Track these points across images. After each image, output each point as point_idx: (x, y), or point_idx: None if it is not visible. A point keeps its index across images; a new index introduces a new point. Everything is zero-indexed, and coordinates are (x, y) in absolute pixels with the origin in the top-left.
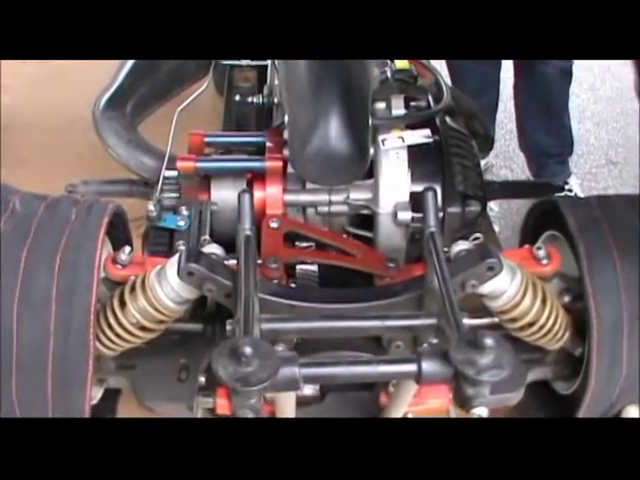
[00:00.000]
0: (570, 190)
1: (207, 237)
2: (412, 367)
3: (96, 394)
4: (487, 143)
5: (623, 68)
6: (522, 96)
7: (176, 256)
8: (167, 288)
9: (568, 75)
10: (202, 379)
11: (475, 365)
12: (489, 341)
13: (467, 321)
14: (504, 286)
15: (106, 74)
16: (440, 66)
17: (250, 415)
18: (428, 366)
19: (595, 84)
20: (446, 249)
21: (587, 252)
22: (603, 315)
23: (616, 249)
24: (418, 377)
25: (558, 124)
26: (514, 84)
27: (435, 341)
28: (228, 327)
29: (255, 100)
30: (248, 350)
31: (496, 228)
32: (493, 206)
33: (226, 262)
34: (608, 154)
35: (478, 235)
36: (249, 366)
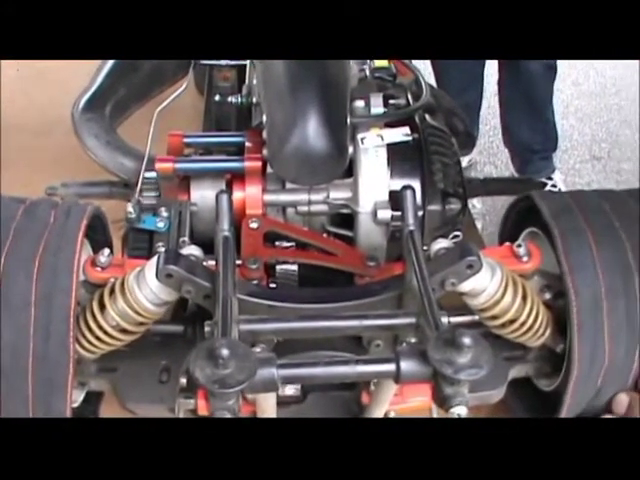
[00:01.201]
0: (554, 185)
1: (186, 239)
2: (391, 367)
3: (78, 397)
4: (468, 140)
5: (606, 64)
6: (506, 91)
7: (155, 258)
8: (146, 290)
9: (552, 71)
10: (183, 381)
11: (453, 364)
12: (467, 340)
13: (450, 319)
14: (484, 284)
15: (87, 75)
16: (423, 64)
17: (228, 416)
18: (407, 366)
19: (578, 79)
20: (426, 247)
21: (561, 234)
22: (581, 292)
23: (589, 230)
24: (397, 377)
25: (542, 120)
26: (498, 80)
27: (414, 340)
28: (206, 328)
29: (234, 100)
30: (225, 352)
31: (479, 225)
32: (476, 203)
33: (206, 263)
34: (592, 149)
35: (458, 233)
36: (226, 368)
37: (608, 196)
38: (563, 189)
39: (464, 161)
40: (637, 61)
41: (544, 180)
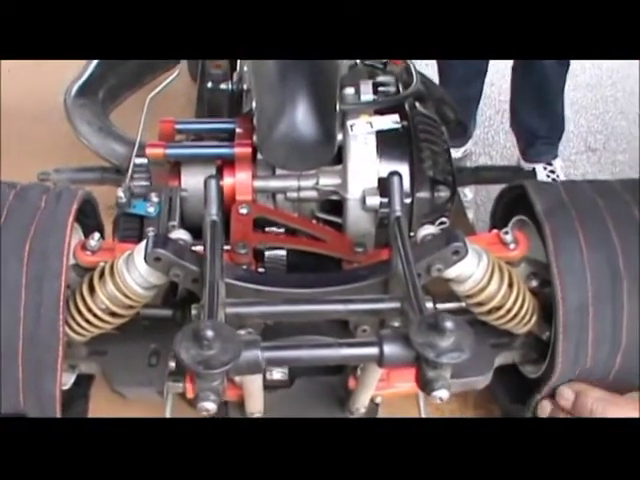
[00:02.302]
0: (552, 171)
1: (175, 223)
2: (374, 350)
3: (68, 380)
4: (459, 129)
5: None
6: (518, 79)
7: (144, 242)
8: (135, 274)
9: (565, 64)
10: (172, 364)
11: (435, 348)
12: (449, 324)
13: (439, 306)
14: (470, 270)
15: (83, 62)
16: None
17: (213, 398)
18: (389, 349)
19: (574, 71)
20: (413, 234)
21: (553, 234)
22: (569, 297)
23: (582, 231)
24: (380, 360)
25: (550, 110)
26: (513, 65)
27: (397, 325)
28: (193, 312)
29: (225, 87)
30: (210, 333)
31: (471, 214)
32: (467, 192)
33: (194, 248)
34: (587, 141)
35: (444, 220)
36: (211, 349)
37: (603, 190)
38: (562, 177)
39: (459, 152)
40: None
41: (543, 165)
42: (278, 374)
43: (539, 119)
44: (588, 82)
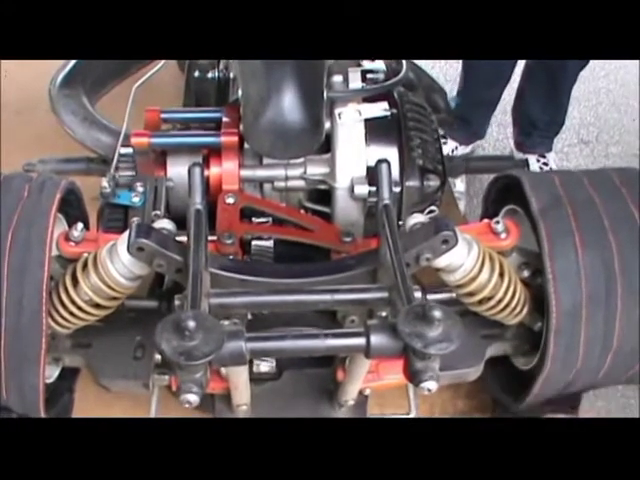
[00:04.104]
0: (546, 164)
1: (158, 212)
2: (361, 341)
3: (53, 373)
4: (463, 125)
5: None
6: (535, 67)
7: (127, 232)
8: (118, 264)
9: (582, 62)
10: (158, 357)
11: (423, 338)
12: (437, 313)
13: (429, 296)
14: (460, 260)
15: None
16: None
17: (195, 390)
18: (377, 340)
19: None
20: (402, 222)
21: (548, 235)
22: (562, 299)
23: (577, 232)
24: (367, 351)
25: (556, 104)
26: None
27: (384, 314)
28: (177, 302)
29: (212, 75)
30: (191, 324)
31: (461, 205)
32: (458, 183)
33: (180, 238)
34: (580, 133)
35: (433, 208)
36: (193, 340)
37: (600, 183)
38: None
39: (468, 148)
40: None
41: (537, 157)
42: (265, 367)
43: (543, 111)
44: (581, 74)
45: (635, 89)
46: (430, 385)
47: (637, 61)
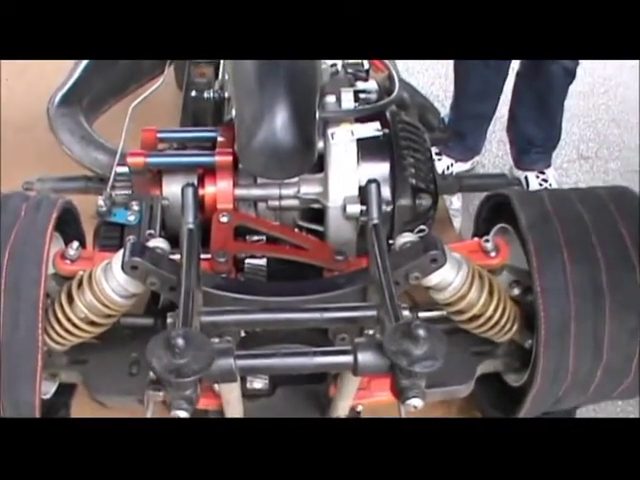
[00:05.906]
0: (545, 180)
1: (152, 231)
2: (348, 358)
3: (49, 389)
4: (458, 139)
5: (595, 63)
6: (521, 86)
7: (122, 251)
8: (113, 282)
9: (570, 76)
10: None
11: (409, 356)
12: (422, 332)
13: (420, 314)
14: (449, 278)
15: (67, 71)
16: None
17: (185, 406)
18: (364, 357)
19: None
20: (393, 241)
21: (536, 252)
22: (551, 314)
23: (566, 248)
24: (354, 368)
25: (549, 120)
26: (518, 71)
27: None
28: (169, 320)
29: (207, 95)
30: (181, 342)
31: (457, 223)
32: (454, 201)
33: (173, 256)
34: (579, 149)
35: (423, 227)
36: (183, 357)
37: (588, 200)
38: (554, 185)
39: (467, 164)
40: (625, 61)
41: (536, 173)
42: (259, 383)
43: (537, 128)
44: (581, 90)
45: (635, 105)
46: (416, 402)
47: (637, 77)
